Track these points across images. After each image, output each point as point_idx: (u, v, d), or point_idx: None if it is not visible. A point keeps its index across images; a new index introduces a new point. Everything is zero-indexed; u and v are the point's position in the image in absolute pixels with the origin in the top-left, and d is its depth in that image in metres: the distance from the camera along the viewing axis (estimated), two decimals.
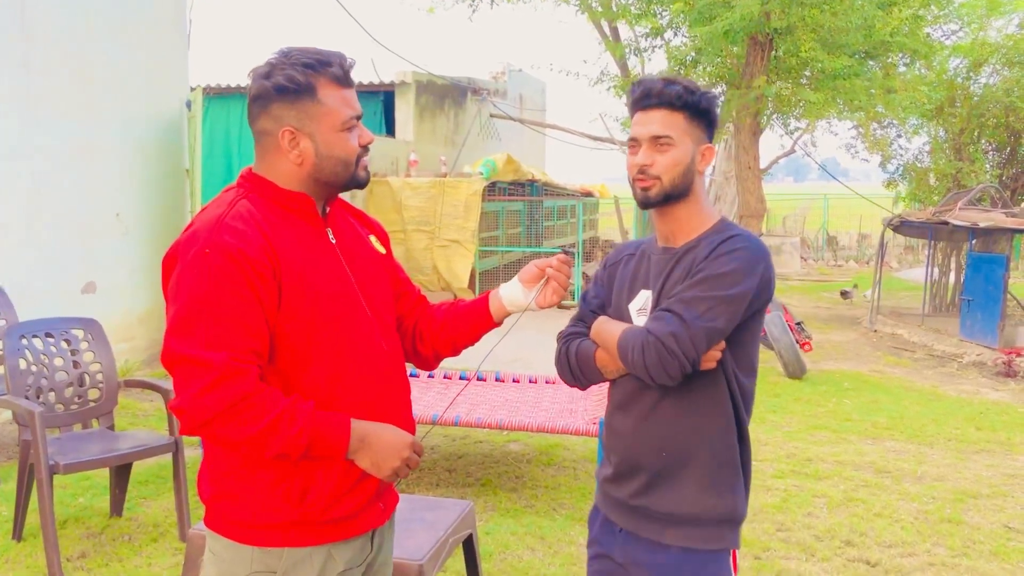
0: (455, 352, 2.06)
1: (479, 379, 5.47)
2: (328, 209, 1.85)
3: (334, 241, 1.81)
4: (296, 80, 1.69)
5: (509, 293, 2.01)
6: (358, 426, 1.71)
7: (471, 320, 2.02)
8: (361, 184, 1.82)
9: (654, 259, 2.02)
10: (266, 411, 1.61)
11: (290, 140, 1.72)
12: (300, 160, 1.74)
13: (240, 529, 1.74)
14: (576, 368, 2.03)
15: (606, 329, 1.97)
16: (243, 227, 1.66)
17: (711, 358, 1.86)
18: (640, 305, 1.98)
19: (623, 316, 2.01)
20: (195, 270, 1.63)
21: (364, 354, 1.79)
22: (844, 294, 14.41)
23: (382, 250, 1.98)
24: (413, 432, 1.91)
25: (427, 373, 5.47)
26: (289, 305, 1.69)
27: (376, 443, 1.73)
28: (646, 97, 1.94)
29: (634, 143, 1.96)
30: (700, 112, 1.94)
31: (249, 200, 1.73)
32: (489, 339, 2.14)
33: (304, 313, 1.70)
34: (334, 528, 1.76)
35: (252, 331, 1.64)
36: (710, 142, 1.99)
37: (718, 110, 2.00)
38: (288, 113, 1.71)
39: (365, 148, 1.80)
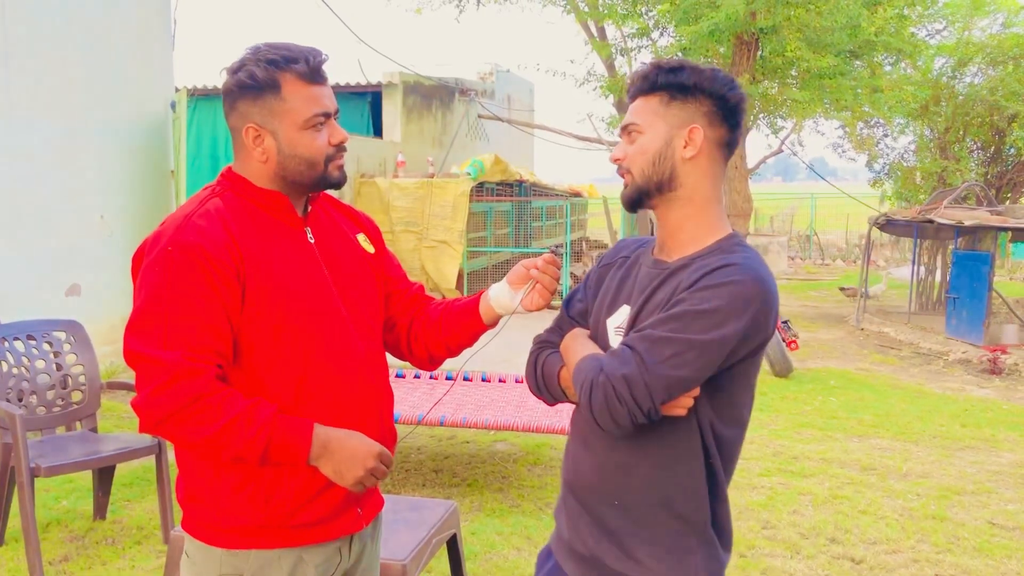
0: (451, 354, 2.00)
1: (465, 379, 5.46)
2: (310, 207, 1.82)
3: (312, 240, 1.78)
4: (256, 77, 1.66)
5: (497, 295, 1.92)
6: (321, 432, 1.67)
7: (463, 323, 1.95)
8: (334, 184, 1.77)
9: (643, 271, 1.73)
10: (222, 413, 1.59)
11: (254, 137, 1.70)
12: (265, 158, 1.71)
13: (210, 531, 1.72)
14: (542, 383, 1.80)
15: (571, 349, 1.72)
16: (207, 225, 1.65)
17: (680, 404, 1.57)
18: (619, 323, 1.72)
19: (599, 332, 1.76)
20: (156, 268, 1.62)
21: (337, 356, 1.75)
22: (844, 290, 14.51)
23: (370, 249, 1.93)
24: (393, 438, 1.87)
25: (413, 373, 5.47)
26: (254, 305, 1.66)
27: (339, 451, 1.67)
28: (629, 90, 1.73)
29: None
30: (685, 90, 1.64)
31: (223, 198, 1.72)
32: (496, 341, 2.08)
33: (271, 313, 1.67)
34: (303, 532, 1.73)
35: (211, 330, 1.61)
36: (721, 125, 1.66)
37: (727, 88, 1.65)
38: (252, 110, 1.69)
39: (338, 147, 1.75)
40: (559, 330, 1.85)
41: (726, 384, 1.61)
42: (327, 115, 1.72)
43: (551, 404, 1.84)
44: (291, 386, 1.70)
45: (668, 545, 1.64)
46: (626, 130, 1.69)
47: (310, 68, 1.69)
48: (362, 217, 1.99)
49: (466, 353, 2.03)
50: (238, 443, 1.60)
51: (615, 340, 1.70)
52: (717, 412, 1.62)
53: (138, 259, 1.69)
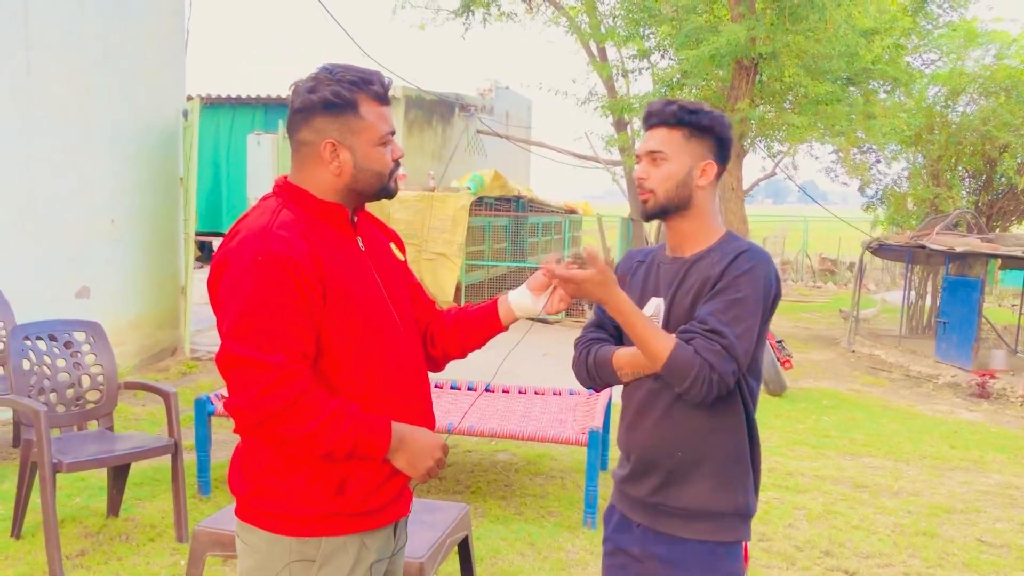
0: (463, 354, 2.15)
1: (469, 389, 5.58)
2: (356, 219, 1.94)
3: (363, 249, 1.91)
4: (342, 96, 1.79)
5: (517, 299, 2.09)
6: (397, 428, 1.82)
7: (480, 325, 2.10)
8: (391, 194, 1.92)
9: (663, 268, 2.12)
10: (318, 412, 1.70)
11: (331, 151, 1.82)
12: (339, 171, 1.83)
13: (278, 521, 1.82)
14: (594, 372, 2.14)
15: (648, 334, 1.96)
16: (289, 235, 1.75)
17: None
18: (651, 312, 2.06)
19: None
20: (249, 276, 1.71)
21: (393, 355, 1.89)
22: (843, 312, 14.70)
23: (401, 257, 2.08)
24: (433, 427, 2.01)
25: None
26: (331, 310, 1.78)
27: (412, 444, 1.83)
28: (648, 117, 2.09)
29: (638, 159, 2.09)
30: (702, 130, 2.03)
31: (289, 209, 1.82)
32: (489, 353, 2.22)
33: (342, 317, 1.79)
34: (366, 519, 1.86)
35: (303, 334, 1.73)
36: (720, 161, 2.06)
37: (728, 131, 2.07)
38: (330, 126, 1.81)
39: (397, 162, 1.90)
40: (602, 328, 2.21)
41: (755, 346, 2.00)
42: (393, 133, 1.88)
43: (599, 390, 2.25)
44: (359, 384, 1.83)
45: (722, 480, 2.05)
46: (652, 155, 2.05)
47: (383, 89, 1.85)
48: (389, 229, 2.13)
49: (478, 362, 2.15)
50: (331, 440, 1.72)
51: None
52: (748, 369, 2.02)
53: (219, 267, 1.78)
